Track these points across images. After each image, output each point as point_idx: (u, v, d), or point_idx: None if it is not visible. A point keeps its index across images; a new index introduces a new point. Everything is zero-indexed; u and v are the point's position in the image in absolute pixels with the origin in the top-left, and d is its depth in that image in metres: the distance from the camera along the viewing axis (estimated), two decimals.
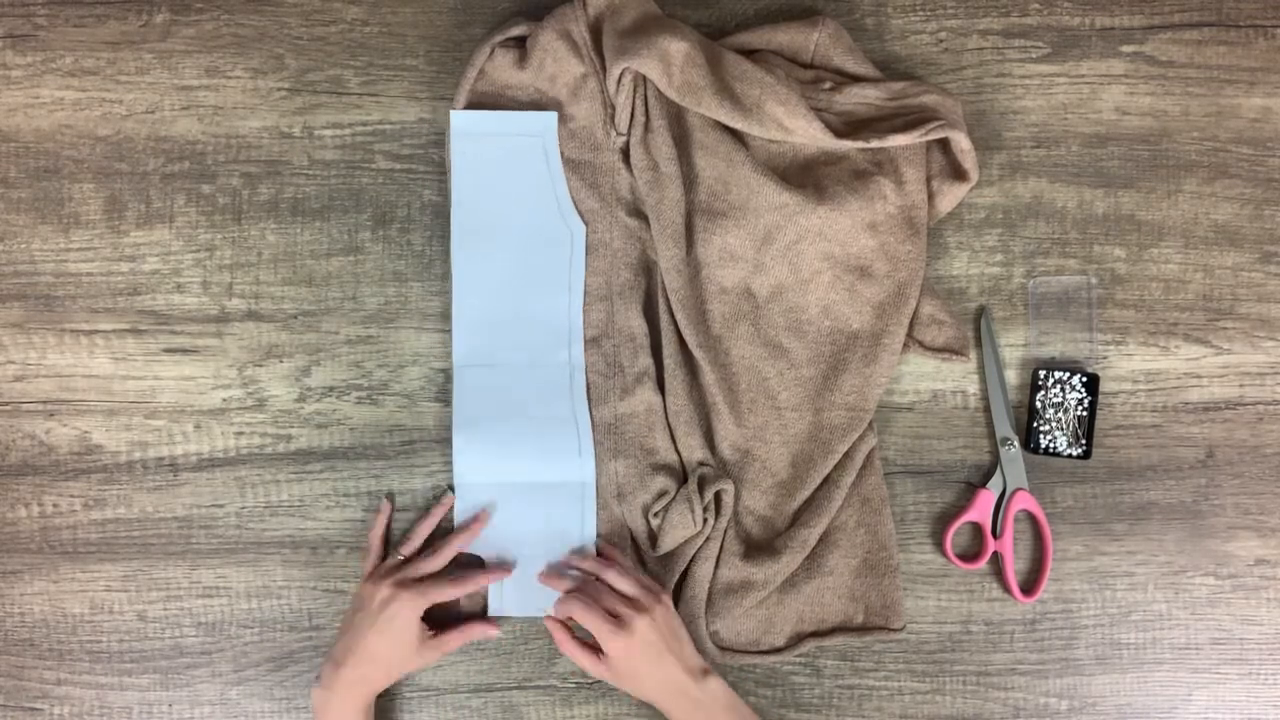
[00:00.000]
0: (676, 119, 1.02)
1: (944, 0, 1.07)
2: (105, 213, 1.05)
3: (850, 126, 1.02)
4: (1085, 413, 1.04)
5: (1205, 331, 1.06)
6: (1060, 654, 1.05)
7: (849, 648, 1.05)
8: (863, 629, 1.03)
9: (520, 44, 1.03)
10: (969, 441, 1.06)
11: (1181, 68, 1.07)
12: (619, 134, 1.02)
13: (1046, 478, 1.05)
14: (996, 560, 1.04)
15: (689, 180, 1.03)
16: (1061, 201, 1.06)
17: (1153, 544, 1.05)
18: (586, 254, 1.03)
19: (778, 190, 1.01)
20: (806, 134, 0.99)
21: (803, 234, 1.02)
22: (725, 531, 1.02)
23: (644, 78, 1.00)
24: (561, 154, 1.03)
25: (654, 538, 1.01)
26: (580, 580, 0.99)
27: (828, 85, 1.02)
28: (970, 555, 1.05)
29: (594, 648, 0.96)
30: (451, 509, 1.03)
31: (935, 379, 1.06)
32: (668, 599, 0.97)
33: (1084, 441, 1.04)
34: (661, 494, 1.01)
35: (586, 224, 1.03)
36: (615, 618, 0.94)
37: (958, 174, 1.03)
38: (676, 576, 1.01)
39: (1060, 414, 1.04)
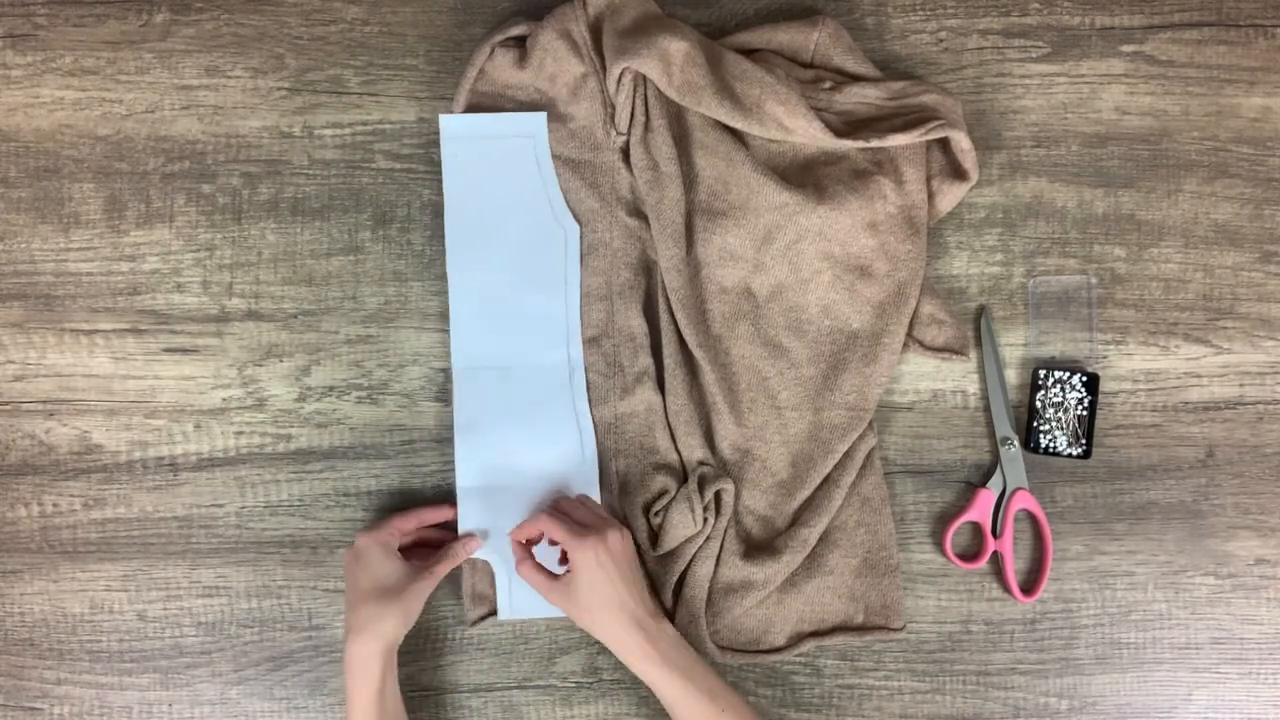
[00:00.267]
0: (676, 119, 1.02)
1: (944, 0, 1.07)
2: (105, 212, 1.05)
3: (850, 126, 1.02)
4: (1085, 412, 1.04)
5: (1205, 331, 1.06)
6: (1060, 654, 1.04)
7: (849, 648, 1.05)
8: (863, 629, 1.03)
9: (520, 44, 1.03)
10: (969, 441, 1.06)
11: (1181, 67, 1.07)
12: (619, 133, 1.02)
13: (1046, 477, 1.05)
14: (996, 560, 1.04)
15: (689, 180, 1.03)
16: (1061, 201, 1.06)
17: (1153, 544, 1.05)
18: (587, 254, 1.03)
19: (778, 190, 1.01)
20: (806, 133, 0.99)
21: (803, 233, 1.02)
22: (725, 531, 1.02)
23: (644, 77, 1.00)
24: (561, 154, 1.03)
25: (654, 537, 1.01)
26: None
27: (828, 85, 1.02)
28: (970, 555, 1.05)
29: (550, 575, 0.96)
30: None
31: (935, 379, 1.06)
32: (628, 532, 0.97)
33: (1084, 441, 1.04)
34: (662, 493, 1.01)
35: (586, 224, 1.03)
36: (584, 528, 0.95)
37: (958, 173, 1.03)
38: (676, 576, 1.01)
39: (1060, 414, 1.04)
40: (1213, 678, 1.05)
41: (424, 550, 1.01)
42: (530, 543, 1.00)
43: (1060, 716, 1.05)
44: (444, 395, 1.04)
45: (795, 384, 1.03)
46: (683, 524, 0.99)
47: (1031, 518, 1.05)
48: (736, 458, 1.03)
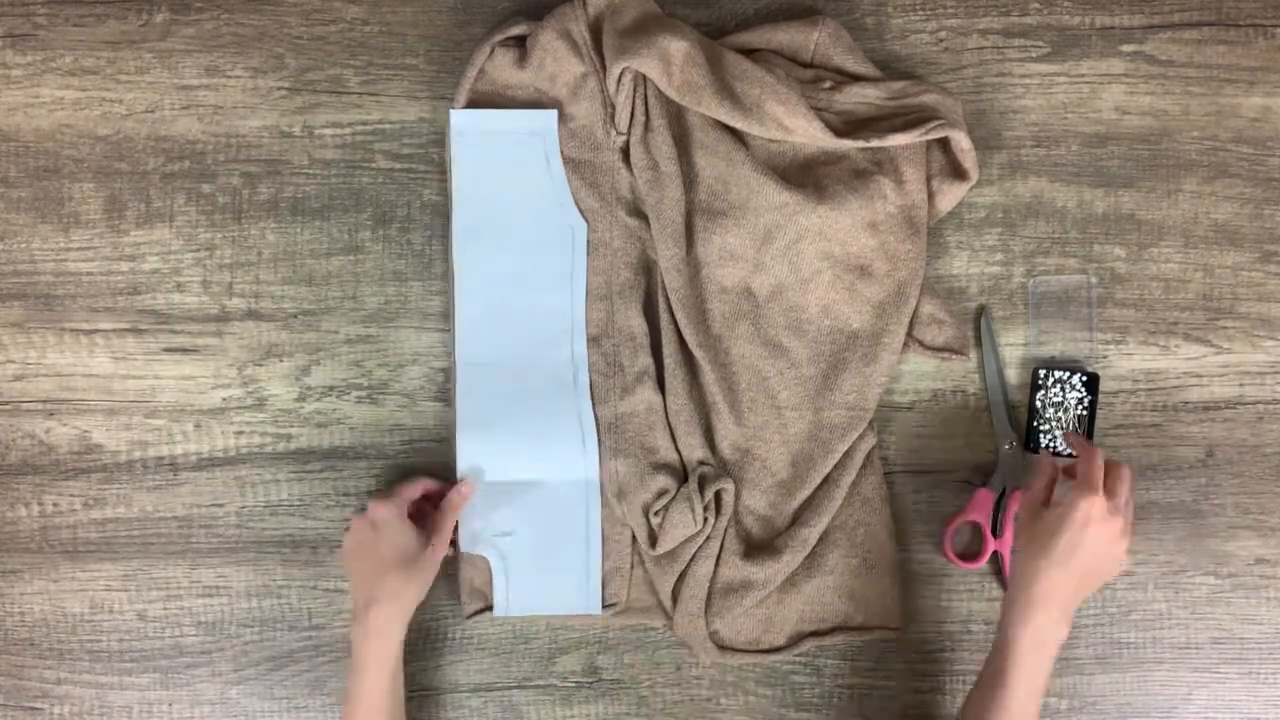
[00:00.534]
0: (676, 118, 1.02)
1: (944, 0, 1.07)
2: (105, 212, 1.05)
3: (850, 126, 1.02)
4: (1085, 412, 1.04)
5: (1205, 331, 1.06)
6: (1060, 654, 1.04)
7: (849, 647, 1.05)
8: (863, 628, 1.03)
9: (520, 43, 1.03)
10: (969, 441, 1.06)
11: (1181, 67, 1.07)
12: (619, 133, 1.02)
13: None
14: (996, 560, 1.04)
15: (689, 180, 1.03)
16: (1061, 201, 1.06)
17: (1153, 544, 1.05)
18: (587, 253, 1.03)
19: (778, 189, 1.01)
20: (806, 133, 0.99)
21: (803, 233, 1.02)
22: (725, 531, 1.02)
23: (644, 77, 1.00)
24: (562, 153, 1.03)
25: (654, 537, 1.01)
26: None
27: (828, 84, 1.02)
28: (970, 555, 1.05)
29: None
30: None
31: (935, 379, 1.06)
32: None
33: None
34: (662, 493, 1.01)
35: (586, 223, 1.03)
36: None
37: (958, 173, 1.03)
38: (676, 576, 1.01)
39: (1060, 414, 1.04)
40: (1213, 678, 1.05)
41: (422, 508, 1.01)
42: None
43: (1060, 716, 1.05)
44: (444, 395, 1.04)
45: (795, 384, 1.03)
46: (683, 524, 0.99)
47: None
48: (736, 457, 1.03)
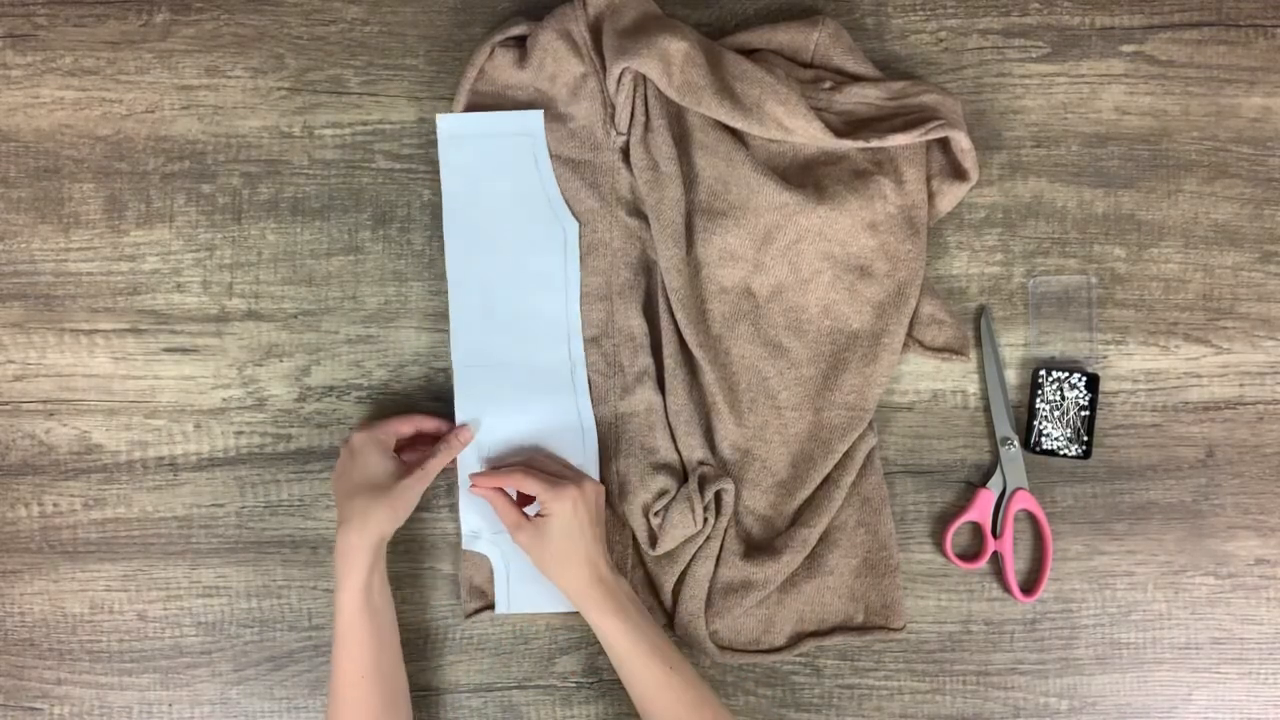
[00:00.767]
0: (676, 118, 1.02)
1: (944, 0, 1.07)
2: (105, 212, 1.05)
3: (850, 126, 1.02)
4: (1085, 412, 1.04)
5: (1205, 331, 1.06)
6: (1060, 654, 1.04)
7: (849, 647, 1.05)
8: (863, 629, 1.03)
9: (520, 44, 1.03)
10: (969, 441, 1.06)
11: (1181, 67, 1.07)
12: (619, 133, 1.02)
13: (1046, 477, 1.05)
14: (996, 560, 1.04)
15: (689, 180, 1.03)
16: (1061, 201, 1.06)
17: (1153, 544, 1.05)
18: (587, 254, 1.03)
19: (778, 190, 1.01)
20: (806, 133, 0.99)
21: (803, 233, 1.02)
22: (725, 531, 1.02)
23: (644, 77, 1.00)
24: (561, 154, 1.03)
25: (654, 537, 1.01)
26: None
27: (828, 85, 1.02)
28: (970, 555, 1.05)
29: (521, 512, 0.98)
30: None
31: (935, 379, 1.06)
32: (602, 485, 1.00)
33: (1084, 441, 1.04)
34: (662, 493, 1.01)
35: (586, 224, 1.03)
36: (560, 479, 0.97)
37: (958, 173, 1.03)
38: (676, 576, 1.01)
39: (1060, 414, 1.04)
40: (1213, 678, 1.05)
41: (422, 446, 1.02)
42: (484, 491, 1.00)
43: (1060, 716, 1.05)
44: (444, 395, 1.04)
45: (795, 384, 1.03)
46: (682, 524, 0.99)
47: (1031, 518, 1.05)
48: (736, 458, 1.03)
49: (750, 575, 1.01)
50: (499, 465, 1.01)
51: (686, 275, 1.02)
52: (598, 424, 1.03)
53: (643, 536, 1.01)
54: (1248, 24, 1.07)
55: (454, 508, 1.03)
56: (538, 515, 0.96)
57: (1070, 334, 1.05)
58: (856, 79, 1.03)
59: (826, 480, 1.03)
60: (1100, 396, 1.05)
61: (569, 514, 0.95)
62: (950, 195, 1.03)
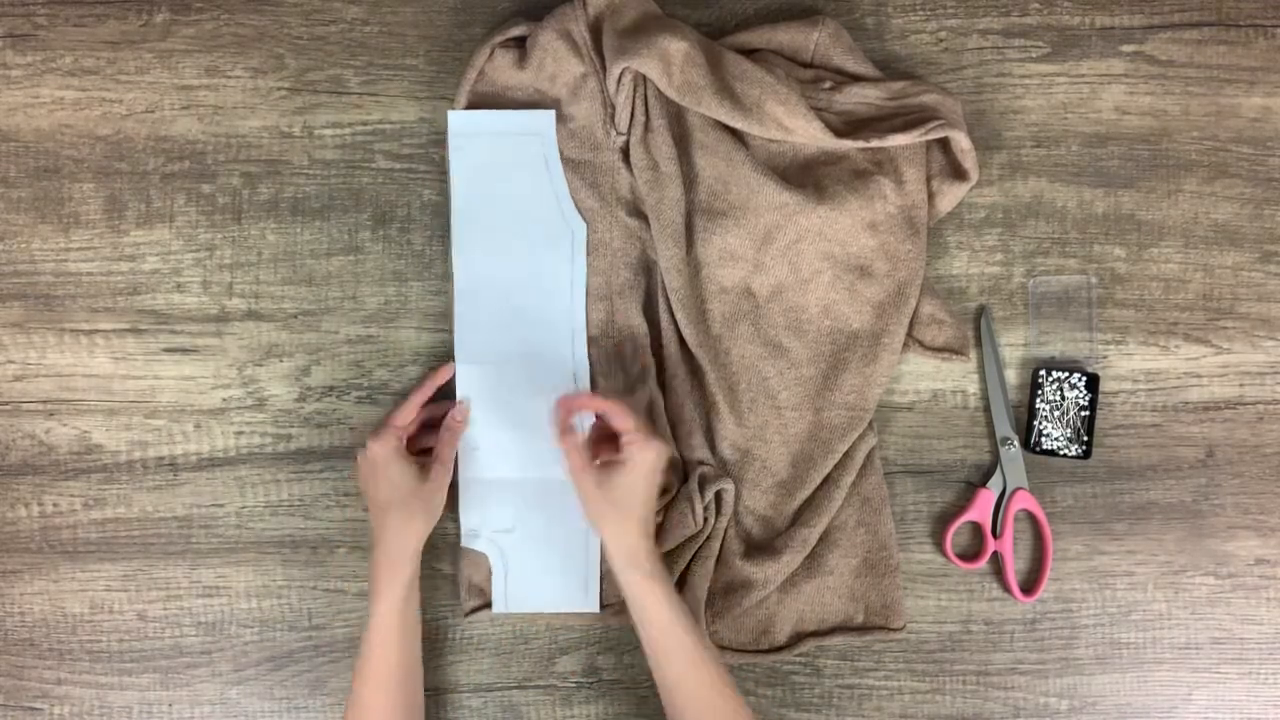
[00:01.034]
0: (676, 118, 1.02)
1: (944, 0, 1.07)
2: (105, 212, 1.05)
3: (850, 126, 1.02)
4: (1085, 412, 1.04)
5: (1205, 331, 1.06)
6: (1060, 654, 1.04)
7: (849, 647, 1.05)
8: (863, 629, 1.03)
9: (520, 44, 1.03)
10: (969, 441, 1.06)
11: (1181, 67, 1.07)
12: (619, 133, 1.02)
13: (1046, 477, 1.05)
14: (996, 560, 1.04)
15: (689, 180, 1.03)
16: (1061, 201, 1.06)
17: (1153, 544, 1.05)
18: (587, 254, 1.03)
19: (778, 190, 1.01)
20: (806, 133, 0.99)
21: (803, 233, 1.02)
22: (726, 531, 1.02)
23: (644, 77, 1.00)
24: (561, 154, 1.03)
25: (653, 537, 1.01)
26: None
27: (828, 85, 1.02)
28: (970, 555, 1.05)
29: (588, 458, 0.96)
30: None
31: (935, 379, 1.06)
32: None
33: (1084, 441, 1.04)
34: (662, 493, 1.01)
35: (586, 224, 1.03)
36: (650, 430, 0.94)
37: (958, 173, 1.03)
38: (676, 576, 1.01)
39: (1060, 414, 1.04)
40: (1213, 678, 1.05)
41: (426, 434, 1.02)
42: (568, 417, 0.97)
43: (1060, 716, 1.05)
44: (444, 395, 1.04)
45: (795, 384, 1.03)
46: (682, 524, 0.99)
47: (1031, 518, 1.05)
48: (737, 458, 1.03)
49: (750, 575, 1.01)
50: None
51: (686, 275, 1.02)
52: None
53: None
54: (1248, 24, 1.07)
55: (454, 506, 1.03)
56: (608, 462, 0.95)
57: (1070, 334, 1.05)
58: (856, 79, 1.03)
59: (827, 480, 1.03)
60: (1100, 396, 1.05)
61: (649, 465, 0.93)
62: (950, 195, 1.03)
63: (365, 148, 1.05)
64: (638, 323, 1.03)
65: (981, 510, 1.04)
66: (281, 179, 1.05)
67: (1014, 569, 1.04)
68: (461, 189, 1.02)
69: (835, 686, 1.04)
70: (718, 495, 1.01)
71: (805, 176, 1.03)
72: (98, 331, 1.04)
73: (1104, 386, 1.05)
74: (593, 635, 1.04)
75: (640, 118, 1.01)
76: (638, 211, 1.03)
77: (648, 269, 1.04)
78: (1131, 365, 1.06)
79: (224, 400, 1.05)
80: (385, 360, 1.05)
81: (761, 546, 1.03)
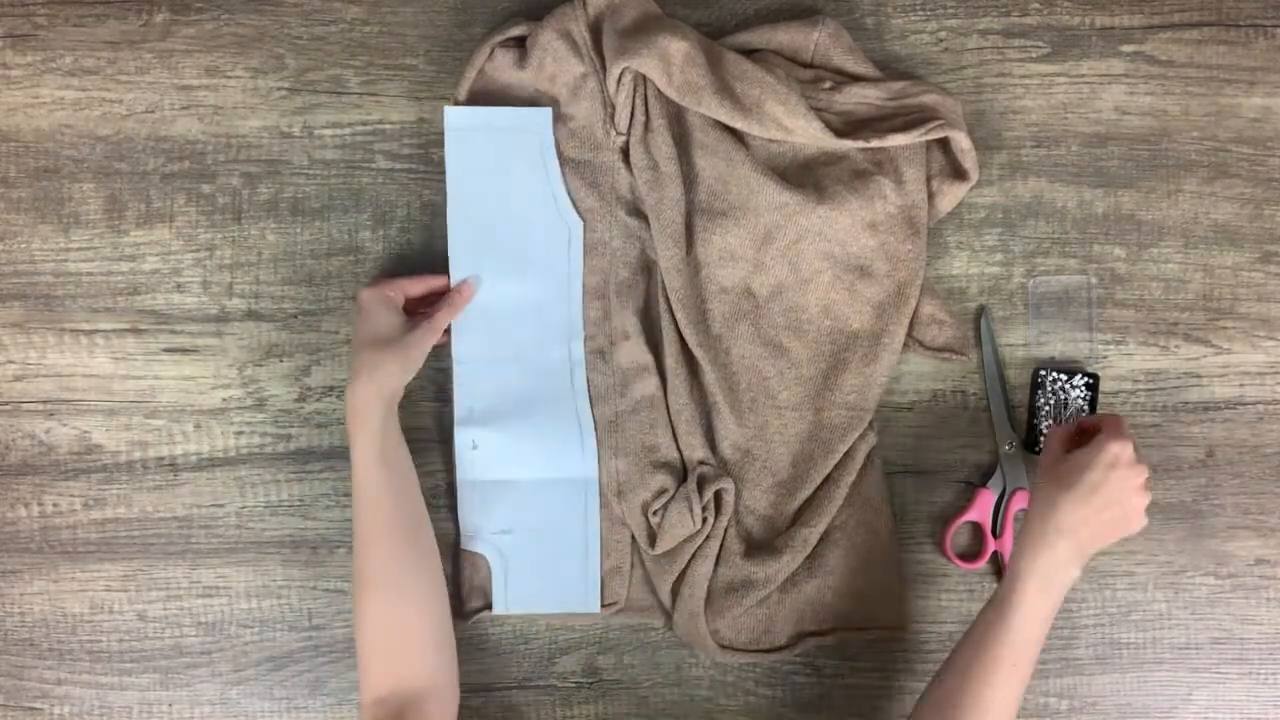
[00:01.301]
0: (676, 118, 1.02)
1: (944, 0, 1.07)
2: (105, 212, 1.05)
3: (850, 126, 1.02)
4: (1086, 413, 1.04)
5: (1205, 331, 1.06)
6: (1060, 654, 1.04)
7: (849, 647, 1.05)
8: (863, 628, 1.03)
9: (520, 44, 1.03)
10: (969, 441, 1.06)
11: (1181, 67, 1.07)
12: (619, 133, 1.02)
13: None
14: (996, 560, 1.04)
15: (689, 180, 1.03)
16: (1061, 201, 1.06)
17: (1153, 544, 1.05)
18: (586, 253, 1.03)
19: (778, 190, 1.01)
20: (806, 133, 0.99)
21: (803, 233, 1.02)
22: (726, 530, 1.02)
23: (644, 77, 1.00)
24: (561, 153, 1.03)
25: (653, 536, 1.01)
26: None
27: (828, 85, 1.02)
28: (970, 555, 1.05)
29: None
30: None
31: (935, 379, 1.06)
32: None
33: (1084, 442, 1.04)
34: (661, 492, 1.01)
35: (585, 223, 1.03)
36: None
37: (958, 173, 1.03)
38: (675, 575, 1.01)
39: (1060, 414, 1.04)
40: (1213, 678, 1.05)
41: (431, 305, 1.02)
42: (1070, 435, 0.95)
43: (1060, 716, 1.05)
44: (444, 395, 1.04)
45: (795, 384, 1.03)
46: (681, 523, 0.99)
47: None
48: (737, 457, 1.03)
49: (751, 574, 1.01)
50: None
51: (686, 275, 1.02)
52: (598, 422, 1.03)
53: (642, 535, 1.01)
54: (1248, 24, 1.07)
55: (453, 508, 1.03)
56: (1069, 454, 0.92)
57: (1070, 334, 1.05)
58: (856, 79, 1.03)
59: (827, 480, 1.03)
60: (1100, 396, 1.05)
61: (1110, 454, 0.89)
62: (950, 195, 1.03)
63: (365, 148, 1.05)
64: (635, 322, 1.03)
65: (981, 510, 1.04)
66: (281, 179, 1.05)
67: None
68: (457, 185, 1.02)
69: (835, 686, 1.04)
70: (717, 495, 1.01)
71: (805, 176, 1.03)
72: (98, 331, 1.04)
73: (1104, 386, 1.05)
74: (593, 635, 1.04)
75: (640, 118, 1.01)
76: (637, 211, 1.03)
77: (647, 269, 1.04)
78: (1131, 365, 1.06)
79: (224, 400, 1.05)
80: None
81: (762, 546, 1.03)
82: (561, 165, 1.03)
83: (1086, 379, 1.04)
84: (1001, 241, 1.06)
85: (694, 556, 1.01)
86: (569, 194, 1.03)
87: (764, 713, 1.04)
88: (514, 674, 1.04)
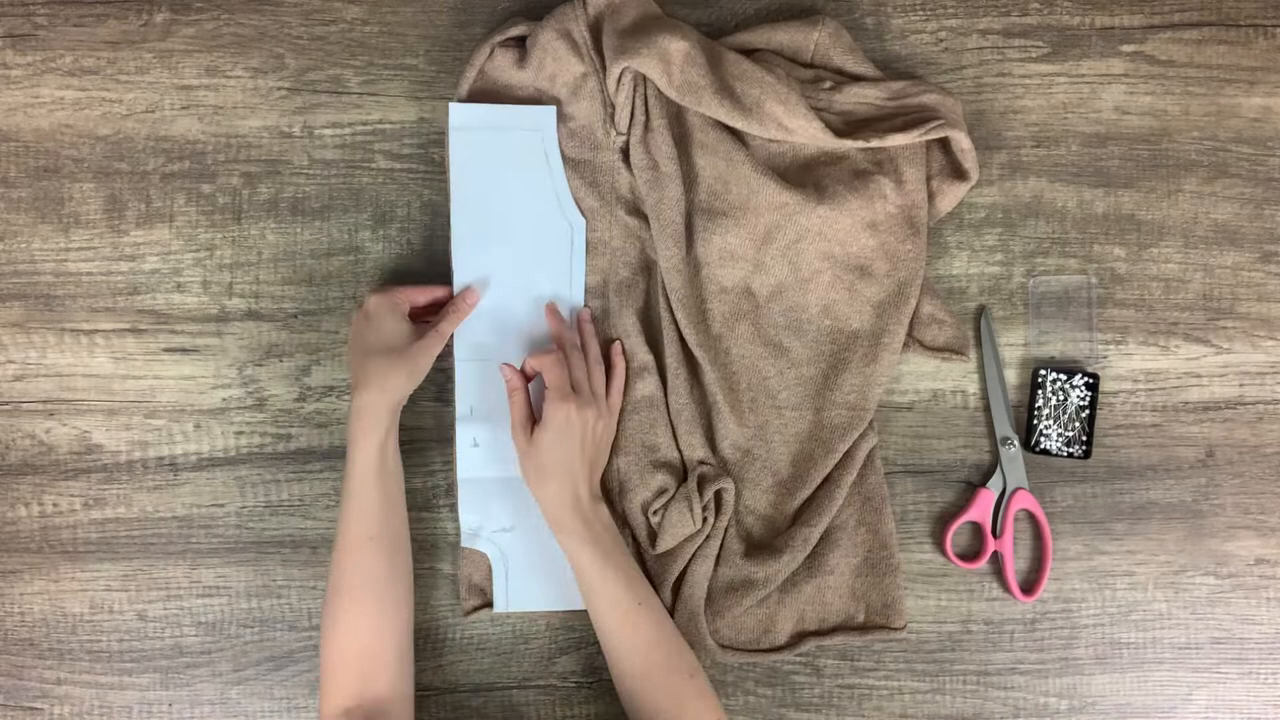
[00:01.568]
0: (676, 118, 1.02)
1: (944, 0, 1.07)
2: (105, 212, 1.05)
3: (850, 126, 1.02)
4: (1085, 412, 1.04)
5: (1205, 331, 1.06)
6: (1060, 654, 1.05)
7: (849, 647, 1.05)
8: (863, 628, 1.03)
9: (520, 44, 1.03)
10: (969, 441, 1.06)
11: (1181, 67, 1.07)
12: (619, 133, 1.02)
13: (1046, 477, 1.05)
14: (996, 560, 1.04)
15: (689, 180, 1.03)
16: (1061, 201, 1.06)
17: (1153, 544, 1.05)
18: (586, 252, 1.03)
19: (778, 190, 1.01)
20: (806, 133, 0.99)
21: (803, 233, 1.02)
22: (726, 530, 1.02)
23: (644, 77, 1.00)
24: (561, 153, 1.03)
25: (654, 535, 1.01)
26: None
27: (828, 85, 1.02)
28: (970, 555, 1.05)
29: (532, 417, 0.98)
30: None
31: (935, 379, 1.06)
32: (612, 422, 1.00)
33: (1084, 441, 1.04)
34: (661, 492, 1.01)
35: (586, 223, 1.03)
36: (574, 391, 0.96)
37: (958, 173, 1.03)
38: (675, 575, 1.01)
39: (1060, 414, 1.04)
40: (1213, 678, 1.05)
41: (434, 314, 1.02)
42: (526, 379, 1.00)
43: (1060, 716, 1.05)
44: (444, 395, 1.04)
45: (796, 384, 1.03)
46: (681, 523, 0.99)
47: (1031, 518, 1.05)
48: (737, 457, 1.03)
49: (751, 574, 1.01)
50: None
51: (686, 275, 1.02)
52: None
53: (642, 535, 1.01)
54: (1248, 24, 1.07)
55: (454, 507, 1.03)
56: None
57: (1070, 334, 1.05)
58: (856, 79, 1.03)
59: (827, 480, 1.03)
60: (1100, 396, 1.05)
61: (560, 424, 0.94)
62: (950, 195, 1.03)
63: (365, 148, 1.05)
64: (632, 322, 1.03)
65: (981, 510, 1.04)
66: (281, 179, 1.05)
67: (1014, 569, 1.04)
68: (460, 183, 1.02)
69: (835, 686, 1.04)
70: (717, 495, 1.01)
71: (805, 176, 1.03)
72: (98, 331, 1.04)
73: (1104, 386, 1.05)
74: (593, 635, 1.04)
75: (640, 117, 1.01)
76: (637, 211, 1.03)
77: (647, 268, 1.04)
78: (1131, 365, 1.06)
79: (224, 400, 1.05)
80: None
81: (762, 546, 1.03)
82: (562, 160, 1.03)
83: (1086, 379, 1.04)
84: (1001, 241, 1.06)
85: (694, 556, 1.01)
86: (572, 195, 1.03)
87: (764, 713, 1.04)
88: (514, 674, 1.04)
